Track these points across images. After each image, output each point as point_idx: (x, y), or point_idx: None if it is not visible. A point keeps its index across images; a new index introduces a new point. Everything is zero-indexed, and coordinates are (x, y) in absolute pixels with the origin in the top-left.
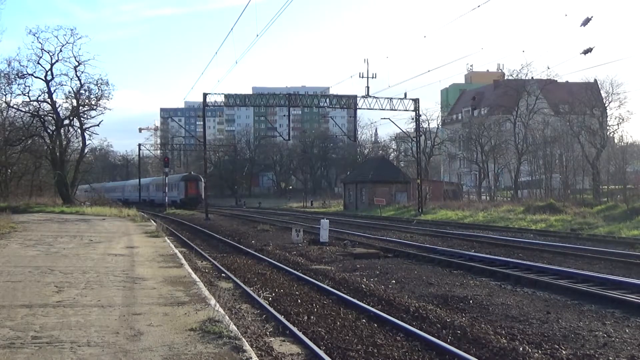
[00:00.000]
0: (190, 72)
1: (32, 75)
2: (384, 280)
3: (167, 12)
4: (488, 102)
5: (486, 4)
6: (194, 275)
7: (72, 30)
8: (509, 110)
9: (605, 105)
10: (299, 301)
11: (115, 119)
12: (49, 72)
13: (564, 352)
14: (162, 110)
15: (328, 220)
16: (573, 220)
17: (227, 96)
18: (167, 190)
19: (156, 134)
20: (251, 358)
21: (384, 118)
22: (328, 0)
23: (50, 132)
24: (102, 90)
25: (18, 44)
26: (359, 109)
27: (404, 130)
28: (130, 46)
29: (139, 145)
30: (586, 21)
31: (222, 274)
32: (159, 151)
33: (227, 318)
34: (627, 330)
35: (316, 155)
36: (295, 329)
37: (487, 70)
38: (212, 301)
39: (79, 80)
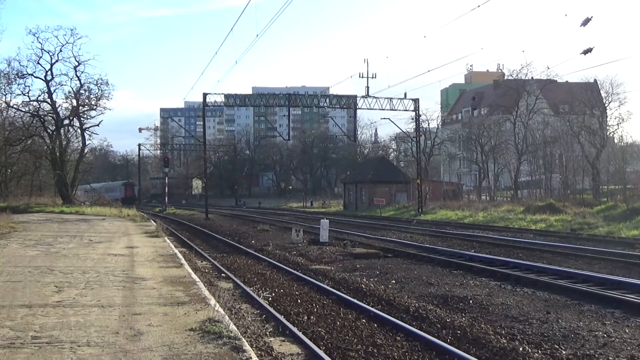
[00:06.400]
0: (190, 72)
1: (32, 75)
2: (384, 280)
3: (164, 13)
4: (488, 102)
5: (486, 4)
6: (193, 275)
7: (72, 30)
8: (508, 110)
9: (605, 105)
10: (299, 301)
11: (115, 119)
12: (49, 72)
13: (564, 352)
14: (162, 110)
15: (328, 220)
16: (573, 220)
17: (227, 96)
18: (110, 191)
19: (156, 134)
20: (251, 358)
21: (384, 118)
22: (328, 1)
23: (50, 132)
24: (102, 90)
25: (16, 44)
26: (359, 109)
27: (404, 130)
28: (130, 46)
29: (139, 145)
30: (586, 21)
31: (222, 274)
32: (158, 151)
33: (227, 318)
34: (627, 330)
35: (316, 155)
36: (295, 329)
37: (487, 70)
38: (212, 301)
39: (79, 80)
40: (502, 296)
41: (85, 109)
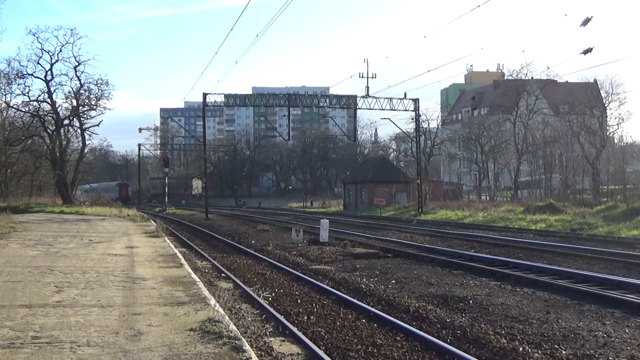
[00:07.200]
0: (190, 72)
1: (32, 75)
2: (384, 280)
3: (163, 13)
4: (488, 102)
5: (486, 4)
6: (193, 275)
7: (72, 30)
8: (508, 110)
9: (605, 105)
10: (299, 301)
11: (115, 119)
12: (49, 72)
13: (563, 352)
14: (162, 110)
15: (328, 220)
16: (573, 220)
17: (227, 96)
18: (106, 192)
19: (156, 134)
20: (251, 358)
21: (384, 118)
22: (328, 1)
23: (50, 132)
24: (101, 90)
25: (16, 44)
26: (359, 109)
27: (404, 130)
28: (129, 47)
29: (139, 145)
30: (586, 21)
31: (222, 274)
32: (158, 151)
33: (227, 318)
34: (627, 330)
35: (316, 155)
36: (295, 329)
37: (487, 70)
38: (212, 301)
39: (79, 80)
40: (502, 296)
41: (85, 109)
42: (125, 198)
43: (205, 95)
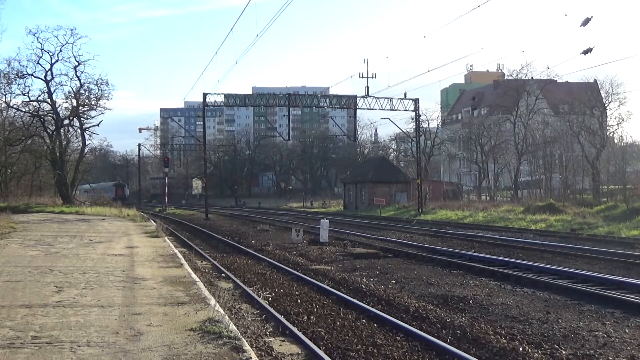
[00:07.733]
0: (190, 72)
1: (32, 75)
2: (384, 280)
3: (163, 13)
4: (488, 102)
5: (486, 4)
6: (193, 275)
7: (72, 30)
8: (508, 110)
9: (605, 105)
10: (299, 301)
11: (115, 119)
12: (49, 72)
13: (563, 352)
14: (162, 110)
15: (328, 220)
16: (573, 220)
17: (227, 96)
18: (102, 192)
19: (156, 134)
20: (251, 358)
21: (384, 118)
22: (328, 1)
23: (50, 132)
24: (101, 90)
25: (16, 44)
26: (359, 109)
27: (404, 130)
28: (130, 46)
29: (139, 145)
30: (586, 21)
31: (222, 274)
32: (158, 151)
33: (227, 318)
34: (627, 330)
35: (316, 155)
36: (295, 329)
37: (487, 70)
38: (212, 301)
39: (79, 80)
40: (502, 296)
41: (85, 109)
42: (121, 198)
43: (205, 95)
